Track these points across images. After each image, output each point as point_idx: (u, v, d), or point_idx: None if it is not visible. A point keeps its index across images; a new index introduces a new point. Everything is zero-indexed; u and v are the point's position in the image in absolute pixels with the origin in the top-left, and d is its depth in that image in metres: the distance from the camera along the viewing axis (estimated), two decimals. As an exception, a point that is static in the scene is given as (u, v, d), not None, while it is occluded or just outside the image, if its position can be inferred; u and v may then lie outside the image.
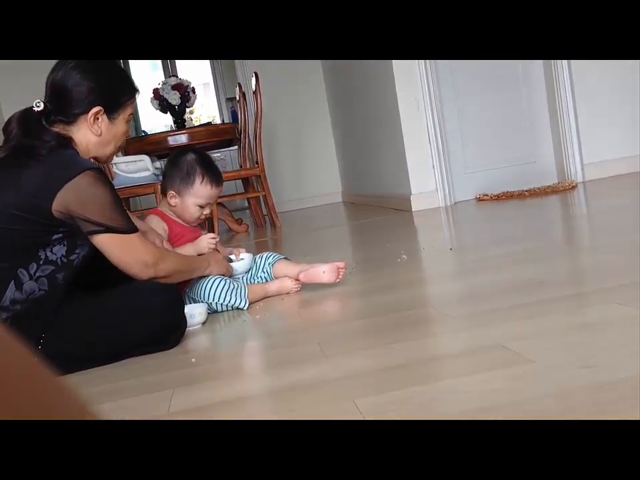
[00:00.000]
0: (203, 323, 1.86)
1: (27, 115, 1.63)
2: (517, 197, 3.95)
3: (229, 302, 1.95)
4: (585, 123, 4.18)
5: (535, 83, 4.35)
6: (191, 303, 1.95)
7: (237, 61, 6.07)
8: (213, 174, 2.09)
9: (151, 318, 1.61)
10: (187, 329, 1.74)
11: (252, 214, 5.11)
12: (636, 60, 4.09)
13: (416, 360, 1.24)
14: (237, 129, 4.97)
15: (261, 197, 4.88)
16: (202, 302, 1.95)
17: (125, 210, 1.62)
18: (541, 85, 4.35)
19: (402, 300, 1.78)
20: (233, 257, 2.16)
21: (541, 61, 4.32)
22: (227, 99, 7.97)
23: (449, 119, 4.27)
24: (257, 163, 4.64)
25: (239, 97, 4.91)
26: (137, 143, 4.57)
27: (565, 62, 4.14)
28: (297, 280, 2.08)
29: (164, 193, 2.11)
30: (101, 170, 1.61)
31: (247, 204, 5.81)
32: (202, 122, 7.62)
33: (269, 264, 2.16)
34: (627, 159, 4.15)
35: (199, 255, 2.00)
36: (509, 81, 4.33)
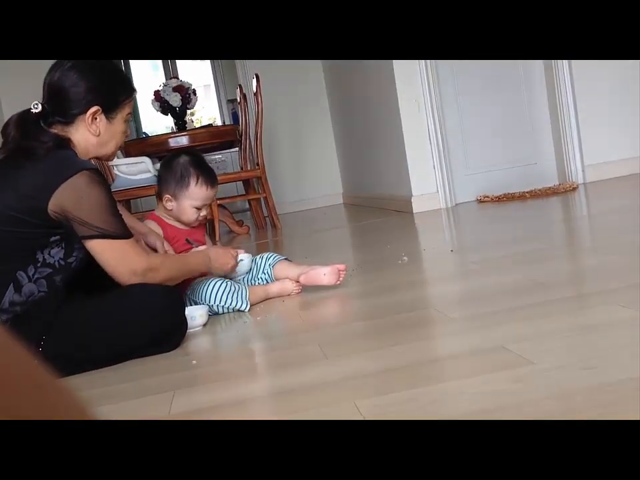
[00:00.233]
0: (204, 325, 1.86)
1: (24, 116, 1.63)
2: (517, 198, 3.95)
3: (230, 304, 1.95)
4: (586, 125, 4.18)
5: (535, 85, 4.35)
6: (191, 305, 1.95)
7: (237, 63, 6.07)
8: (208, 175, 2.09)
9: (152, 320, 1.61)
10: (187, 330, 1.74)
11: (253, 215, 5.11)
12: (636, 60, 4.09)
13: (417, 362, 1.24)
14: (238, 130, 4.97)
15: (261, 198, 4.88)
16: (203, 304, 1.95)
17: (119, 213, 1.62)
18: (541, 86, 4.34)
19: (403, 301, 1.78)
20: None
21: (541, 63, 4.32)
22: (228, 100, 7.97)
23: (450, 121, 4.27)
24: (258, 164, 4.64)
25: (240, 98, 4.91)
26: (138, 144, 4.57)
27: (565, 63, 4.14)
28: (298, 282, 2.08)
29: (160, 197, 2.11)
30: (98, 171, 1.61)
31: (247, 205, 5.81)
32: (203, 124, 7.62)
33: (269, 265, 2.16)
34: (628, 161, 4.15)
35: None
36: (510, 82, 4.33)
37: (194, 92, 4.94)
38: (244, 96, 4.88)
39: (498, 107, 4.33)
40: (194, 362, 1.53)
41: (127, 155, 4.46)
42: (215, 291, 1.95)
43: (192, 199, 2.06)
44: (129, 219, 1.93)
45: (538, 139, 4.38)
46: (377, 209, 4.71)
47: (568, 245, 2.45)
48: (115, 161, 4.05)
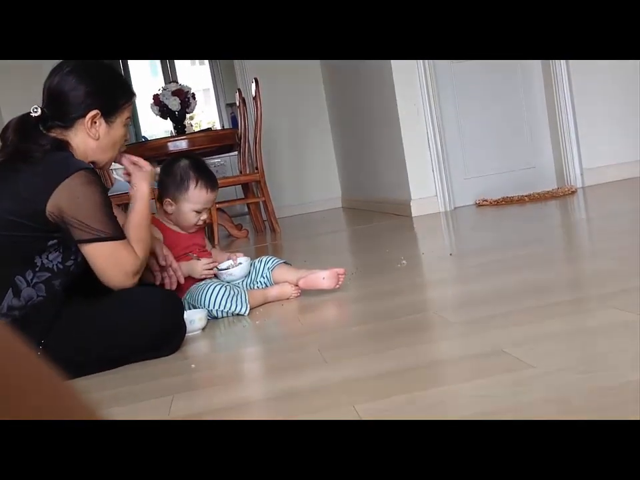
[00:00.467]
0: (203, 329, 1.86)
1: (24, 120, 1.63)
2: (516, 202, 3.95)
3: (230, 308, 1.95)
4: (585, 129, 4.19)
5: (534, 89, 4.36)
6: (190, 309, 1.95)
7: (237, 68, 6.08)
8: (208, 178, 2.09)
9: (151, 323, 1.61)
10: (186, 334, 1.73)
11: (252, 219, 5.11)
12: (635, 64, 4.10)
13: (416, 365, 1.24)
14: (237, 134, 4.97)
15: (260, 202, 4.88)
16: (202, 309, 1.94)
17: (114, 215, 1.62)
18: (540, 90, 4.35)
19: (402, 305, 1.78)
20: (231, 261, 2.16)
21: (540, 67, 4.33)
22: (227, 104, 7.98)
23: (449, 125, 4.28)
24: (257, 168, 4.65)
25: (239, 102, 4.92)
26: (137, 148, 4.56)
27: (564, 67, 4.15)
28: (297, 286, 2.08)
29: (160, 200, 2.11)
30: (94, 171, 1.61)
31: (246, 209, 5.81)
32: (202, 128, 7.63)
33: (268, 269, 2.15)
34: (626, 165, 4.15)
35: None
36: (509, 86, 4.33)
37: (193, 96, 4.94)
38: (243, 100, 4.89)
39: (497, 111, 4.33)
40: (193, 366, 1.52)
41: (126, 158, 4.45)
42: (214, 295, 1.94)
43: (192, 202, 2.06)
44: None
45: (536, 143, 4.39)
46: (376, 213, 4.71)
47: (567, 248, 2.45)
48: (114, 165, 4.05)
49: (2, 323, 0.33)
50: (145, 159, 1.86)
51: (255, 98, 4.63)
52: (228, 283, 2.07)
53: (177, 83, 5.12)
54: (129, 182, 1.79)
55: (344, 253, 3.34)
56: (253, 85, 4.65)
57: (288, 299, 2.07)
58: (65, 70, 1.64)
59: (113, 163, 1.82)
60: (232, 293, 1.96)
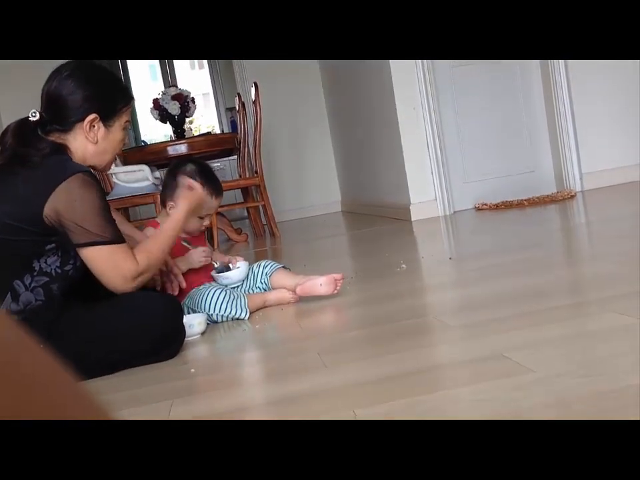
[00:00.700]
0: (202, 333, 1.86)
1: (22, 124, 1.63)
2: (516, 206, 3.96)
3: (229, 313, 1.94)
4: (584, 132, 4.19)
5: (533, 93, 4.36)
6: (190, 314, 1.94)
7: (236, 72, 6.08)
8: (213, 185, 2.09)
9: (150, 328, 1.60)
10: (186, 339, 1.73)
11: (251, 223, 5.11)
12: (634, 68, 4.10)
13: (416, 370, 1.24)
14: (237, 138, 4.97)
15: (260, 206, 4.88)
16: (201, 313, 1.94)
17: (112, 218, 1.61)
18: (539, 94, 4.36)
19: (401, 309, 1.78)
20: (230, 265, 2.15)
21: (539, 71, 4.33)
22: (227, 108, 7.98)
23: (448, 129, 4.28)
24: (256, 172, 4.65)
25: (239, 106, 4.92)
26: (137, 152, 4.57)
27: (563, 71, 4.15)
28: (294, 292, 2.07)
29: (163, 204, 2.11)
30: (91, 173, 1.61)
31: (246, 213, 5.81)
32: (201, 132, 7.63)
33: (266, 274, 2.15)
34: (626, 169, 4.15)
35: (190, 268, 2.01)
36: (508, 90, 4.34)
37: (193, 100, 4.95)
38: (242, 104, 4.89)
39: (496, 115, 4.34)
40: (192, 370, 1.52)
41: (126, 162, 4.46)
42: (214, 300, 1.94)
43: None
44: (126, 227, 1.92)
45: (536, 147, 4.39)
46: (376, 217, 4.71)
47: (566, 252, 2.45)
48: (114, 169, 4.05)
49: (14, 320, 0.33)
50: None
51: (254, 102, 4.63)
52: (226, 287, 2.06)
53: (177, 87, 5.13)
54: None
55: (343, 257, 3.34)
56: (253, 89, 4.66)
57: (287, 303, 2.06)
58: (63, 74, 1.64)
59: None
60: (232, 297, 1.95)
